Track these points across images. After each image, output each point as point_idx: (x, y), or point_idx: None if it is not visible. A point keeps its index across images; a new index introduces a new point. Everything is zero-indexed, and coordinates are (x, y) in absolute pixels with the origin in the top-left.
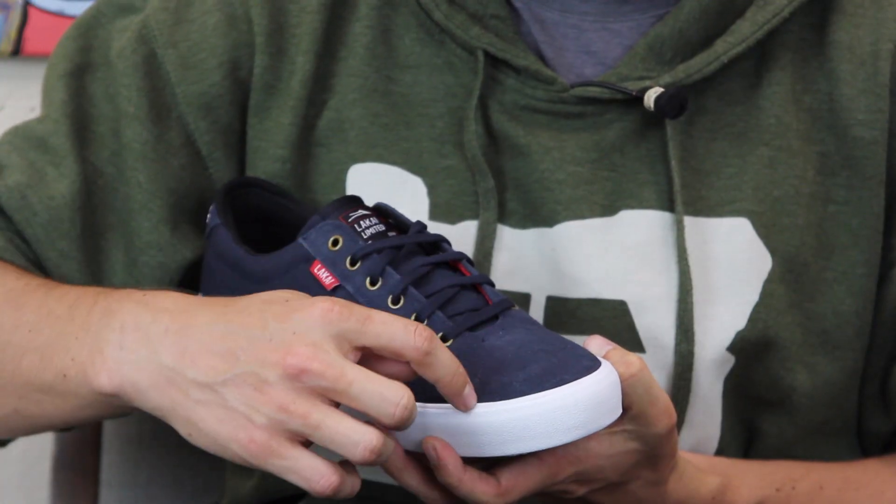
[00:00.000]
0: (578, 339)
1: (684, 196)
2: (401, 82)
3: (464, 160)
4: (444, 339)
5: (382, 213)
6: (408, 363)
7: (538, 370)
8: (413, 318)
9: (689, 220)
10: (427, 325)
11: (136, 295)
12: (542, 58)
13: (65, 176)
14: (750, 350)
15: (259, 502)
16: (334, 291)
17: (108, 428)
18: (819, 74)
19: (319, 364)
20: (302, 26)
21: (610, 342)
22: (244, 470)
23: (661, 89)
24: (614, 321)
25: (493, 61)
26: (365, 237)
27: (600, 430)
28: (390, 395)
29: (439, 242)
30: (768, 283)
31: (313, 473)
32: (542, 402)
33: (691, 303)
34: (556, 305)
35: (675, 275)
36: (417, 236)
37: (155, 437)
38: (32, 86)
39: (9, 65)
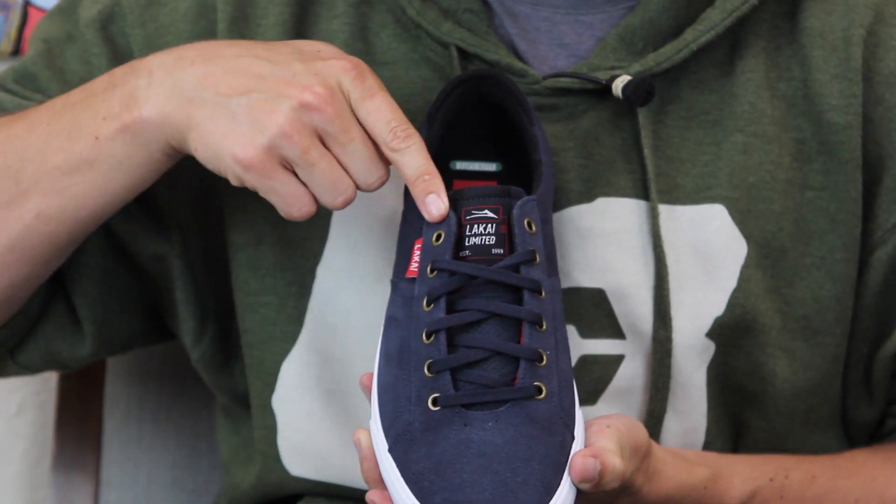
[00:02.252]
0: None
1: (659, 184)
2: (380, 78)
3: None
4: (433, 403)
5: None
6: None
7: (465, 499)
8: (427, 365)
9: (664, 208)
10: (425, 382)
11: (162, 50)
12: (515, 51)
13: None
14: (729, 336)
15: (257, 502)
16: (411, 282)
17: (108, 428)
18: (792, 61)
19: (333, 110)
20: (269, 17)
21: (597, 456)
22: (243, 463)
23: (629, 77)
24: (593, 309)
25: (467, 55)
26: (465, 244)
27: None
28: (374, 169)
29: (525, 289)
30: (745, 268)
31: (295, 198)
32: None
33: (667, 290)
34: None
35: (652, 262)
36: (495, 273)
37: (155, 436)
38: None
39: (9, 65)
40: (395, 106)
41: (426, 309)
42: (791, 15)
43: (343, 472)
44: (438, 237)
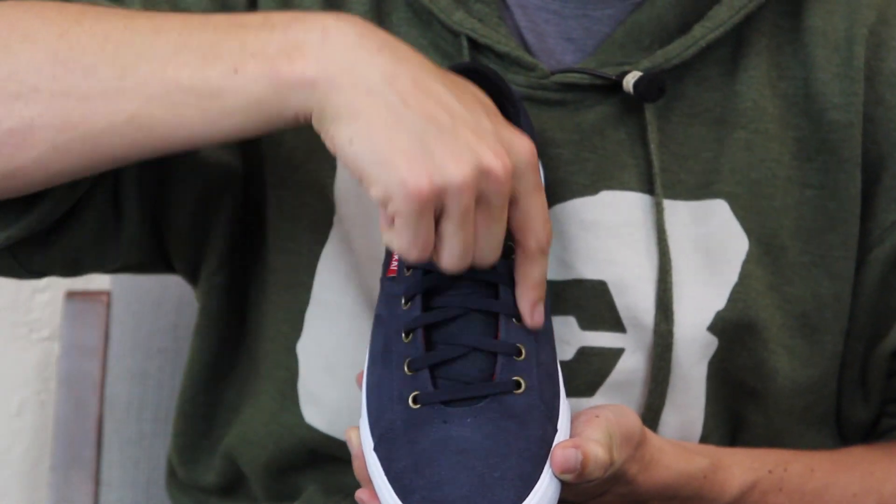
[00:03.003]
0: (561, 320)
1: (663, 179)
2: None
3: None
4: (414, 401)
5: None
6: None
7: (441, 496)
8: (406, 363)
9: (668, 203)
10: (406, 380)
11: (327, 12)
12: (524, 43)
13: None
14: (731, 331)
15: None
16: (391, 280)
17: (108, 428)
18: (794, 60)
19: (506, 188)
20: (304, 4)
21: (578, 446)
22: (200, 441)
23: (640, 73)
24: (595, 301)
25: (477, 46)
26: None
27: None
28: (495, 254)
29: (500, 283)
30: (746, 264)
31: (425, 245)
32: None
33: (670, 283)
34: None
35: (655, 255)
36: (472, 270)
37: (155, 436)
38: None
39: None
40: (547, 212)
41: (404, 307)
42: (794, 14)
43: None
44: None
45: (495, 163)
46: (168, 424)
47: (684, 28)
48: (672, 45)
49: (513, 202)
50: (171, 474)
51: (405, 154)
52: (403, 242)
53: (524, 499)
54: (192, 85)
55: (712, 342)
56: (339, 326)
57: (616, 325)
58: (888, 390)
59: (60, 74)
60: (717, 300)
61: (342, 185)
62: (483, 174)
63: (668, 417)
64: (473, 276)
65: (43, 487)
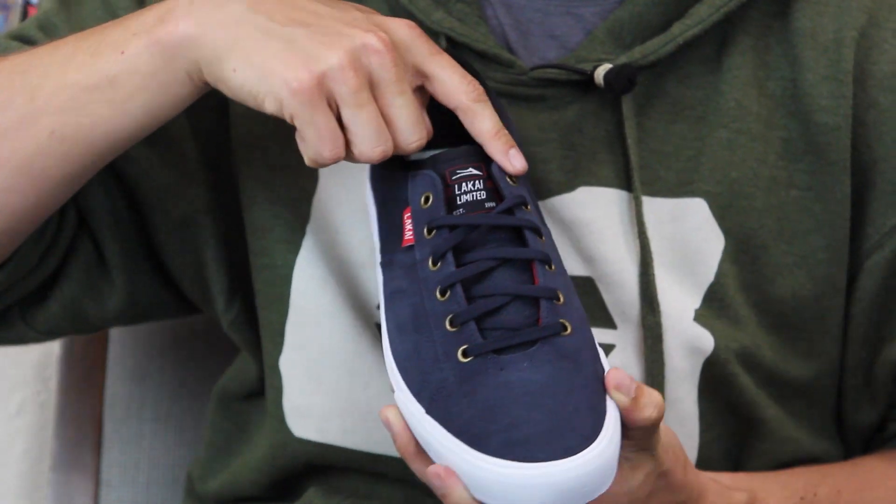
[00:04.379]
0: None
1: (642, 176)
2: None
3: None
4: (463, 354)
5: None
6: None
7: (522, 435)
8: (448, 320)
9: (646, 200)
10: (450, 337)
11: None
12: (507, 41)
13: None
14: (714, 327)
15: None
16: (409, 250)
17: (108, 428)
18: (782, 61)
19: (392, 57)
20: None
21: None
22: (221, 459)
23: (610, 66)
24: (584, 298)
25: (456, 45)
26: (458, 203)
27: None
28: (418, 127)
29: (524, 228)
30: (722, 263)
31: (331, 137)
32: (509, 474)
33: (653, 275)
34: None
35: (635, 250)
36: (494, 218)
37: (155, 436)
38: None
39: None
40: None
41: (433, 269)
42: (782, 15)
43: (344, 434)
44: (427, 199)
45: (370, 38)
46: (168, 424)
47: (666, 26)
48: (650, 42)
49: (423, 77)
50: (190, 490)
51: (280, 58)
52: (311, 144)
53: (601, 427)
54: (91, 82)
55: (702, 335)
56: (320, 328)
57: (606, 321)
58: (895, 395)
59: None
60: (693, 299)
61: (324, 195)
62: (360, 51)
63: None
64: (498, 223)
65: (43, 487)
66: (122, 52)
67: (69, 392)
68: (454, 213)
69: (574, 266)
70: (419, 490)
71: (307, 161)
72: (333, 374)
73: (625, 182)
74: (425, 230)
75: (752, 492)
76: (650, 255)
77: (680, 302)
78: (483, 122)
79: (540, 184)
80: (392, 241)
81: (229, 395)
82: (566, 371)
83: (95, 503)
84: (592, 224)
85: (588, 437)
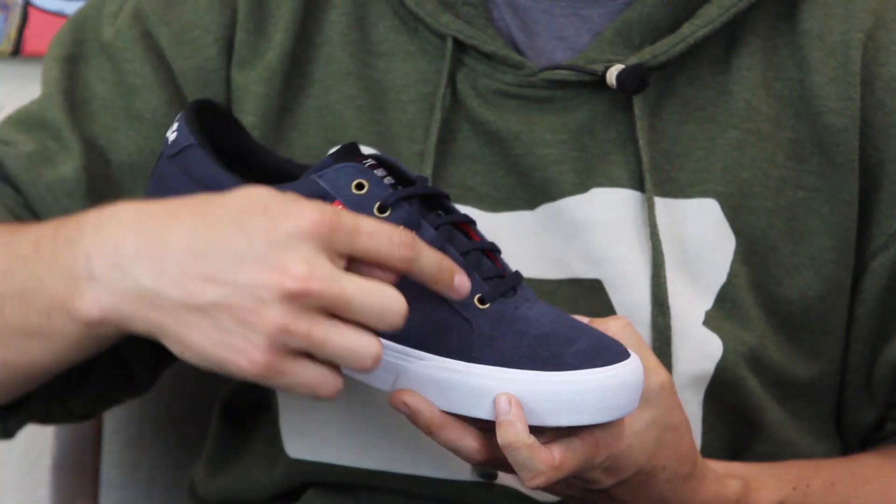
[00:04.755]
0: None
1: (654, 177)
2: (375, 68)
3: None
4: (481, 302)
5: (383, 163)
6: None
7: (586, 346)
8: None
9: (658, 201)
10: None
11: (91, 218)
12: (514, 43)
13: (65, 148)
14: (724, 330)
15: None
16: None
17: (108, 428)
18: (790, 62)
19: (318, 283)
20: (282, 7)
21: (585, 318)
22: (220, 463)
23: (622, 66)
24: (591, 300)
25: (464, 47)
26: (387, 182)
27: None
28: (391, 306)
29: (442, 199)
30: (734, 263)
31: (319, 382)
32: (596, 379)
33: (664, 277)
34: (533, 287)
35: (648, 251)
36: (433, 189)
37: (155, 436)
38: (32, 86)
39: (9, 65)
40: (380, 224)
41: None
42: (789, 16)
43: (340, 451)
44: (360, 185)
45: (287, 283)
46: (168, 424)
47: (675, 27)
48: (660, 42)
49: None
50: (192, 493)
51: (222, 345)
52: (310, 393)
53: (627, 349)
54: (26, 330)
55: (711, 339)
56: None
57: None
58: (894, 395)
59: None
60: (705, 299)
61: None
62: (289, 301)
63: None
64: (435, 192)
65: (43, 487)
66: (49, 316)
67: None
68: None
69: (580, 268)
70: (420, 500)
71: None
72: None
73: (637, 183)
74: (376, 210)
75: (745, 480)
76: (661, 256)
77: (690, 304)
78: (422, 274)
79: (551, 185)
80: None
81: (233, 405)
82: (551, 307)
83: (95, 503)
84: (604, 225)
85: (622, 345)
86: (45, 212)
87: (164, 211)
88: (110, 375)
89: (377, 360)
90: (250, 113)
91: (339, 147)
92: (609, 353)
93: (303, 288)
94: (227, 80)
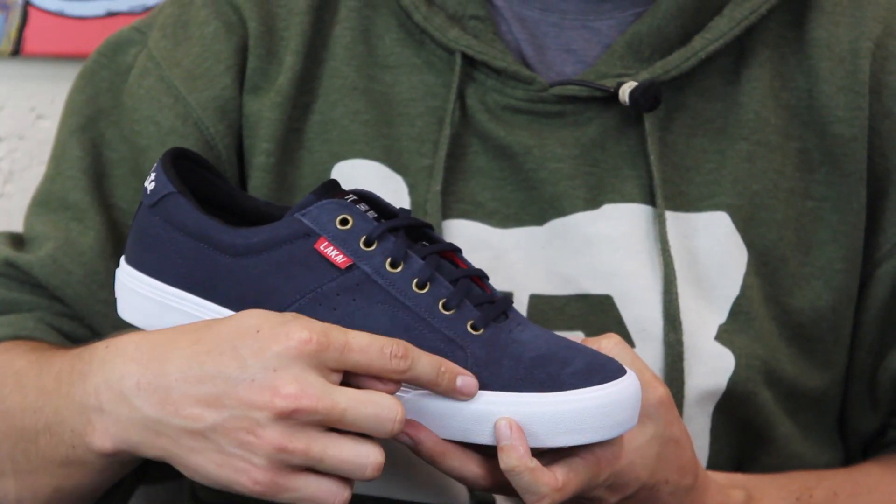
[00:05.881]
0: (566, 336)
1: (665, 191)
2: (381, 81)
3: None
4: (473, 328)
5: (364, 197)
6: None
7: (582, 366)
8: (441, 304)
9: (670, 215)
10: (455, 314)
11: (100, 351)
12: (522, 56)
13: (90, 228)
14: (737, 344)
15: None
16: (349, 270)
17: None
18: (798, 71)
19: (309, 400)
20: (290, 29)
21: (579, 336)
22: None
23: (636, 83)
24: (602, 315)
25: (473, 62)
26: (371, 216)
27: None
28: (385, 413)
29: (426, 230)
30: (747, 276)
31: (325, 494)
32: (595, 397)
33: (676, 293)
34: (541, 304)
35: (659, 266)
36: (417, 220)
37: None
38: (32, 86)
39: (9, 65)
40: (369, 337)
41: (396, 270)
42: (797, 25)
43: None
44: (345, 220)
45: (278, 402)
46: None
47: (685, 39)
48: (672, 57)
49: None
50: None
51: (226, 468)
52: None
53: (623, 367)
54: (61, 460)
55: (723, 354)
56: None
57: (624, 338)
58: None
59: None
60: (719, 313)
61: None
62: (283, 420)
63: None
64: (418, 223)
65: None
66: (73, 447)
67: None
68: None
69: (591, 284)
70: None
71: None
72: None
73: (648, 197)
74: (362, 244)
75: (748, 490)
76: (673, 272)
77: (702, 319)
78: (419, 380)
79: (563, 199)
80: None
81: None
82: (543, 329)
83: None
84: (615, 240)
85: (618, 363)
86: (84, 308)
87: (163, 340)
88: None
89: (378, 469)
90: (265, 140)
91: (319, 185)
92: (605, 370)
93: (294, 406)
94: (241, 108)
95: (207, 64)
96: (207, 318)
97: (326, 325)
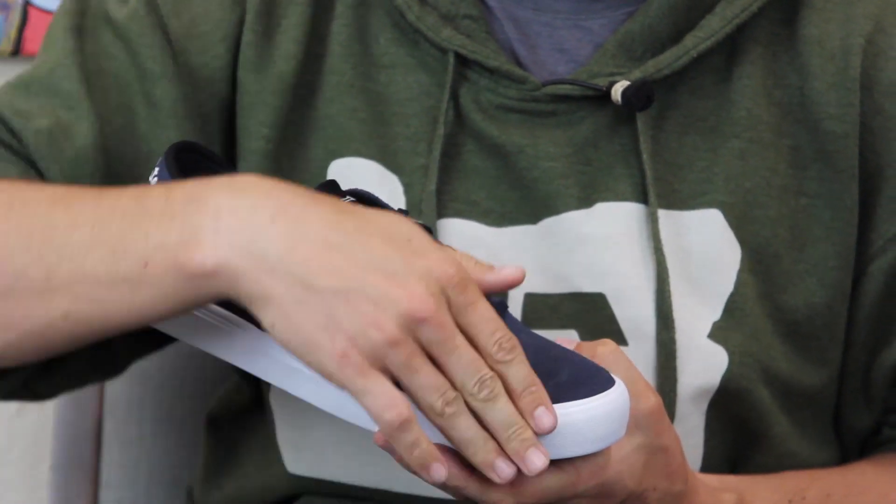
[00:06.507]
0: (559, 335)
1: (658, 189)
2: (377, 80)
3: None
4: None
5: (362, 198)
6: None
7: (566, 378)
8: None
9: (662, 213)
10: None
11: (224, 180)
12: (515, 56)
13: (83, 118)
14: (732, 341)
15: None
16: None
17: (108, 428)
18: (789, 69)
19: (439, 319)
20: (289, 17)
21: (574, 340)
22: (214, 479)
23: (628, 83)
24: (595, 314)
25: (466, 62)
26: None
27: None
28: (481, 374)
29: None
30: (740, 273)
31: (389, 401)
32: (578, 411)
33: (668, 292)
34: (535, 302)
35: (652, 265)
36: (413, 222)
37: (155, 436)
38: None
39: (9, 65)
40: (495, 314)
41: None
42: (789, 22)
43: (338, 468)
44: None
45: (415, 305)
46: (168, 425)
47: (677, 38)
48: (663, 55)
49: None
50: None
51: (324, 330)
52: (371, 410)
53: (612, 377)
54: (109, 280)
55: (716, 352)
56: None
57: (618, 337)
58: (890, 399)
59: None
60: (713, 311)
61: None
62: (407, 322)
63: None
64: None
65: (43, 487)
66: (146, 265)
67: (69, 392)
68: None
69: (584, 282)
70: None
71: (376, 422)
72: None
73: (641, 196)
74: None
75: (739, 493)
76: (666, 271)
77: (695, 317)
78: (509, 382)
79: (556, 198)
80: None
81: (219, 420)
82: (536, 335)
83: (95, 503)
84: (609, 239)
85: (608, 373)
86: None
87: (306, 195)
88: (87, 363)
89: (451, 408)
90: (265, 125)
91: (318, 185)
92: (592, 382)
93: (425, 315)
94: (233, 81)
95: (205, 28)
96: (207, 316)
97: (468, 276)
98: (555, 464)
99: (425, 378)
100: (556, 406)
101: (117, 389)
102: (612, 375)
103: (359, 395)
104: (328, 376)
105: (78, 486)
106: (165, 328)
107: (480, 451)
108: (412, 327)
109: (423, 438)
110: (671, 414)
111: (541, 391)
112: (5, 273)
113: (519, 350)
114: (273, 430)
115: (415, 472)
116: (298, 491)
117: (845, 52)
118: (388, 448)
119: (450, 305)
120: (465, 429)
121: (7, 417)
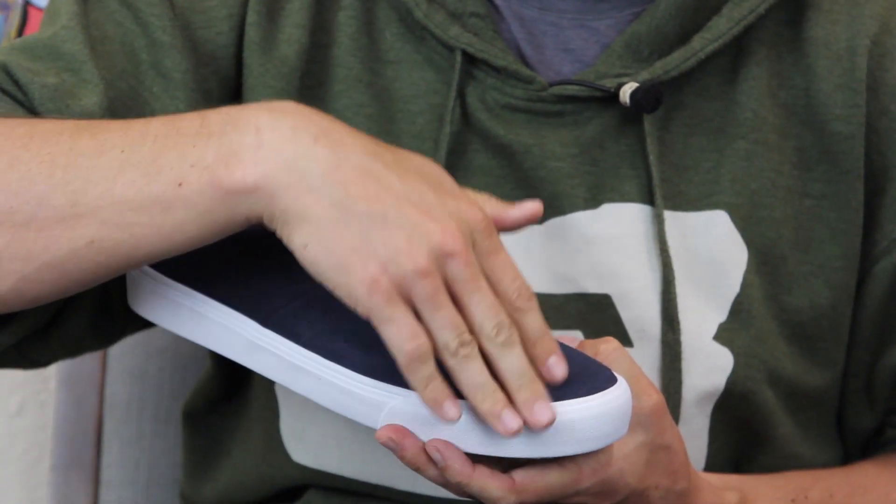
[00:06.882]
0: (564, 335)
1: (664, 190)
2: (383, 76)
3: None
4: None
5: None
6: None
7: (569, 376)
8: None
9: (669, 215)
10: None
11: (259, 104)
12: (521, 55)
13: (85, 82)
14: (739, 346)
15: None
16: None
17: (108, 428)
18: (795, 70)
19: (466, 258)
20: (294, 2)
21: (576, 338)
22: (202, 473)
23: (637, 84)
24: (600, 315)
25: (473, 60)
26: None
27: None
28: (501, 319)
29: None
30: (747, 274)
31: (411, 332)
32: (579, 409)
33: (674, 293)
34: (540, 302)
35: (658, 266)
36: None
37: (155, 437)
38: None
39: None
40: (515, 265)
41: None
42: (794, 23)
43: (342, 462)
44: None
45: (447, 239)
46: (168, 425)
47: (684, 39)
48: (671, 57)
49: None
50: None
51: (357, 253)
52: (391, 338)
53: (615, 375)
54: (140, 203)
55: (722, 354)
56: None
57: (623, 339)
58: (893, 400)
59: (17, 206)
60: (719, 312)
61: None
62: (438, 255)
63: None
64: None
65: (43, 487)
66: (180, 185)
67: (69, 392)
68: None
69: (589, 283)
70: None
71: (394, 353)
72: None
73: (647, 197)
74: None
75: (742, 492)
76: (672, 272)
77: (701, 319)
78: (525, 329)
79: (562, 199)
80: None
81: (198, 412)
82: None
83: (95, 503)
84: (616, 240)
85: (610, 371)
86: None
87: (343, 126)
88: (84, 326)
89: (465, 346)
90: None
91: None
92: (594, 380)
93: (456, 250)
94: (237, 60)
95: (211, 3)
96: (208, 315)
97: (493, 224)
98: (556, 461)
99: (446, 315)
100: (558, 404)
101: (117, 389)
102: (615, 373)
103: (383, 322)
104: (354, 302)
105: (78, 486)
106: (169, 326)
107: (489, 398)
108: (441, 261)
109: (439, 376)
110: (675, 416)
111: (553, 342)
112: (26, 201)
113: (535, 301)
114: (276, 420)
115: (415, 469)
116: (302, 482)
117: (851, 53)
118: (390, 446)
119: (475, 248)
120: (478, 373)
121: (7, 417)
